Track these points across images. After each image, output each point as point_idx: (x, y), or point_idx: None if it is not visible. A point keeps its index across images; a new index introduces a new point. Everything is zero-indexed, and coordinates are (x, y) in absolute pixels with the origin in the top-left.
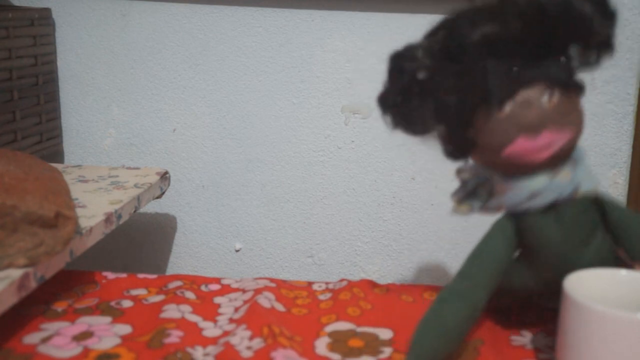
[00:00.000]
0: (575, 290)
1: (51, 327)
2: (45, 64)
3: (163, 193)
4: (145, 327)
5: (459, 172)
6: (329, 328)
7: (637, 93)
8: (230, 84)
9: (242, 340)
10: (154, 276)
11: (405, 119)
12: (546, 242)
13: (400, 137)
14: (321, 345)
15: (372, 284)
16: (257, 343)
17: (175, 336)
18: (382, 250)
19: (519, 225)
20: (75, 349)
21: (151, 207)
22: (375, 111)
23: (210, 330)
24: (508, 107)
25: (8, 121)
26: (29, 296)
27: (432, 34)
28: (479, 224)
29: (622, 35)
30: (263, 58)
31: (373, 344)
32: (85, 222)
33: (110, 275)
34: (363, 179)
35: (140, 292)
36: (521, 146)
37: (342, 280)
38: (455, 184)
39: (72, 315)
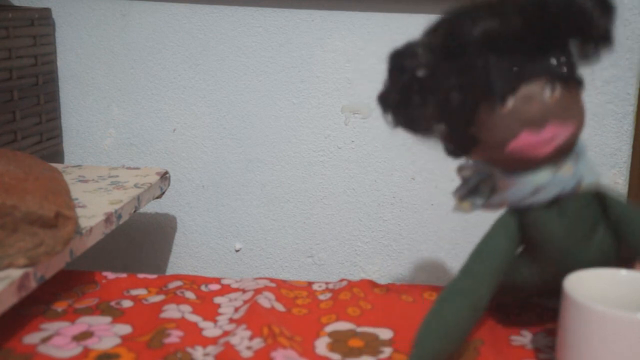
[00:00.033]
0: (575, 290)
1: (51, 327)
2: (45, 64)
3: (163, 193)
4: (145, 327)
5: (460, 169)
6: (329, 328)
7: (637, 93)
8: (230, 84)
9: (242, 340)
10: (154, 276)
11: (406, 118)
12: (549, 237)
13: (400, 137)
14: (321, 345)
15: (372, 284)
16: (257, 343)
17: (175, 336)
18: (382, 250)
19: (522, 220)
20: (75, 349)
21: (151, 207)
22: (375, 111)
23: (210, 330)
24: (511, 103)
25: (8, 121)
26: (29, 296)
27: (432, 31)
28: (479, 223)
29: (622, 35)
30: (263, 58)
31: (373, 344)
32: (85, 222)
33: (110, 275)
34: (363, 179)
35: (140, 292)
36: (525, 141)
37: (342, 280)
38: (455, 183)
39: (72, 315)
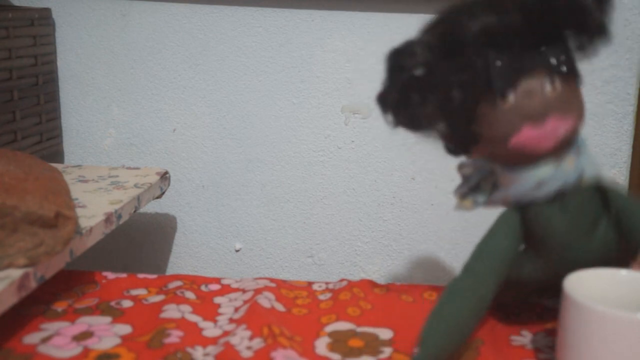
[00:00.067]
0: (575, 290)
1: (51, 327)
2: (45, 64)
3: (163, 193)
4: (145, 327)
5: (460, 167)
6: (329, 328)
7: (637, 93)
8: (230, 84)
9: (242, 340)
10: (154, 276)
11: (406, 117)
12: (552, 232)
13: (400, 137)
14: (321, 345)
15: (372, 284)
16: (257, 343)
17: (175, 336)
18: (382, 250)
19: (524, 216)
20: (75, 349)
21: (151, 207)
22: (375, 111)
23: (210, 330)
24: (511, 98)
25: (8, 121)
26: (29, 296)
27: (430, 30)
28: (479, 223)
29: (622, 35)
30: (263, 58)
31: (373, 344)
32: (85, 222)
33: (110, 275)
34: (363, 179)
35: (140, 292)
36: (527, 135)
37: (342, 280)
38: (455, 183)
39: (72, 315)
